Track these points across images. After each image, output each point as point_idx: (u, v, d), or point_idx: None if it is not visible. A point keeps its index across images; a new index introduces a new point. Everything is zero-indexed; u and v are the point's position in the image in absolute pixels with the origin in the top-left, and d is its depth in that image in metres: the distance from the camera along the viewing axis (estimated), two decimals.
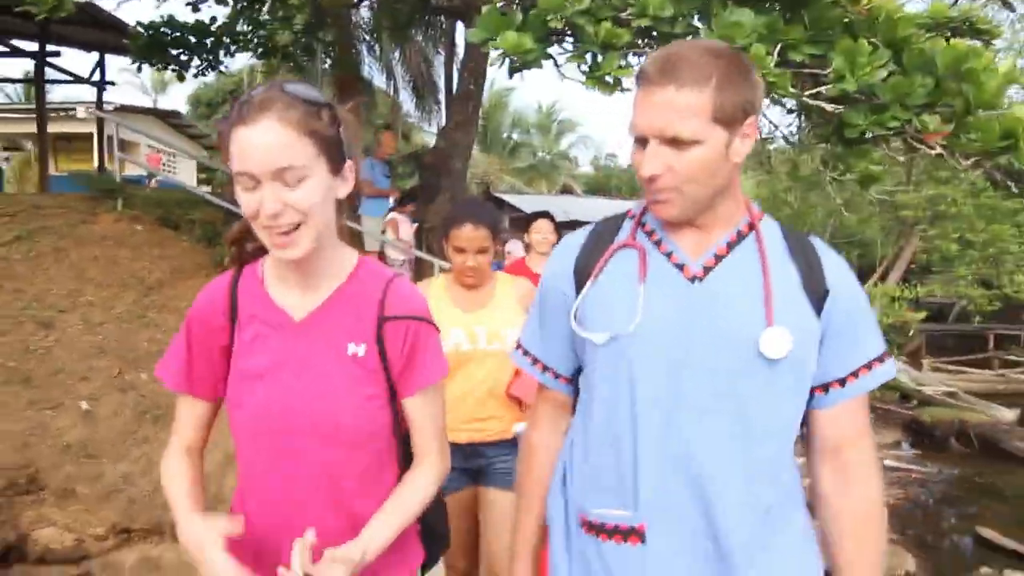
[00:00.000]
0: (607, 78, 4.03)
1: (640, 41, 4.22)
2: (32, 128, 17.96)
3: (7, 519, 4.36)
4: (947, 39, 5.57)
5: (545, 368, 1.34)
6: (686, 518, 1.15)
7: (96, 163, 17.07)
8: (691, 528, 1.15)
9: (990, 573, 4.84)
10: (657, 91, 1.09)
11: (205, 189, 12.61)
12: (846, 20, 4.25)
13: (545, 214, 4.29)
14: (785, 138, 7.93)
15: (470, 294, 2.42)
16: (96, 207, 6.88)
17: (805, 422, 1.24)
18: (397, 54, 14.43)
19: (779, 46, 3.92)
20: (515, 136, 29.99)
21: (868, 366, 1.20)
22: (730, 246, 1.20)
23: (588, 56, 4.04)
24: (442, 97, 13.44)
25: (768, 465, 1.17)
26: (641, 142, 1.13)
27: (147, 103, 26.63)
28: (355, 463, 1.26)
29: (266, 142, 1.11)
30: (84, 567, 4.42)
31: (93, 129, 17.78)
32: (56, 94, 17.43)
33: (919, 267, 14.67)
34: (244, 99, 1.16)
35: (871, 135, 4.17)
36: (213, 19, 8.93)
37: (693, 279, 1.18)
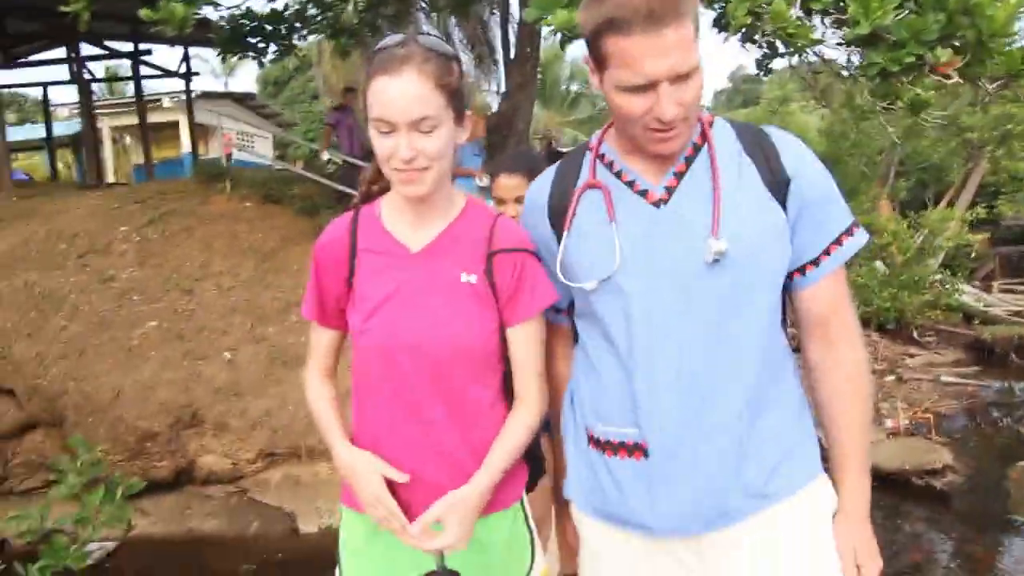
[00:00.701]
0: None
1: None
2: (116, 122, 19.33)
3: (176, 448, 5.36)
4: None
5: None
6: (683, 428, 1.19)
7: (187, 148, 18.40)
8: (686, 434, 1.19)
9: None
10: (655, 33, 1.07)
11: (281, 164, 13.44)
12: None
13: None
14: (837, 73, 8.18)
15: None
16: (208, 189, 7.83)
17: (791, 303, 1.30)
18: (453, 19, 14.98)
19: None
20: (574, 88, 30.01)
21: (838, 241, 1.23)
22: (688, 160, 1.23)
23: None
24: (500, 58, 13.99)
25: (746, 355, 1.20)
26: (644, 88, 1.12)
27: (219, 86, 27.95)
28: (473, 383, 1.31)
29: (406, 93, 1.18)
30: (240, 485, 5.40)
31: (177, 117, 19.15)
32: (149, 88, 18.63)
33: (991, 189, 14.42)
34: (384, 51, 1.22)
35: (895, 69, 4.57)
36: (286, 7, 9.69)
37: (658, 203, 1.23)
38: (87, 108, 12.23)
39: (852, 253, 1.25)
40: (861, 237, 1.26)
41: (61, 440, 5.33)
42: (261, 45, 10.17)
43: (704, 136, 1.24)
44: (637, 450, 1.22)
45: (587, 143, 1.35)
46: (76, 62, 12.01)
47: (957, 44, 4.51)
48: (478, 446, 1.31)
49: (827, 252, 1.23)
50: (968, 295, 11.16)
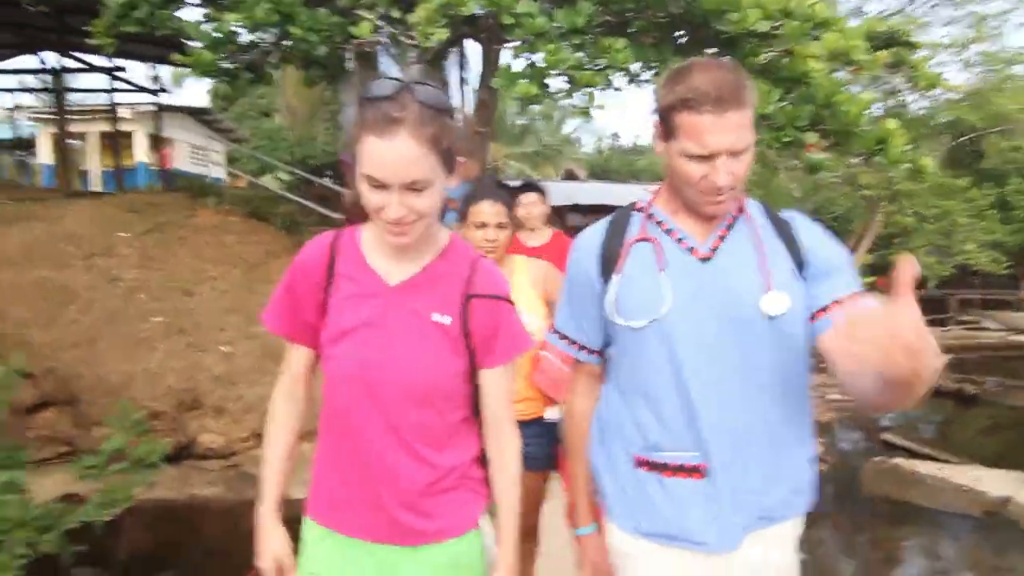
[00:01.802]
0: (590, 109, 5.79)
1: (609, 80, 5.95)
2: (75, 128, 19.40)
3: (178, 427, 6.15)
4: (876, 50, 7.35)
5: (581, 347, 1.52)
6: (734, 451, 1.35)
7: (140, 158, 18.80)
8: (737, 458, 1.35)
9: (880, 460, 6.60)
10: (722, 115, 1.25)
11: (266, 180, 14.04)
12: (763, 62, 5.96)
13: (527, 186, 4.01)
14: None
15: None
16: (194, 203, 8.65)
17: (819, 354, 1.39)
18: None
19: None
20: (520, 122, 31.18)
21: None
22: (729, 227, 1.40)
23: (575, 95, 5.78)
24: (456, 99, 15.12)
25: (783, 402, 1.37)
26: (706, 158, 1.28)
27: (170, 98, 28.08)
28: (434, 420, 1.32)
29: (400, 158, 1.16)
30: (233, 461, 6.22)
31: (133, 128, 19.64)
32: (99, 98, 18.91)
33: (884, 239, 16.32)
34: (377, 105, 1.19)
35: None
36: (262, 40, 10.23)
37: (704, 260, 1.37)
38: (60, 117, 12.78)
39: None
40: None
41: (73, 418, 6.08)
42: (235, 70, 11.03)
43: (742, 210, 1.42)
44: (696, 471, 1.36)
45: (633, 204, 1.51)
46: (53, 73, 12.59)
47: (825, 128, 5.90)
48: (428, 482, 1.33)
49: (839, 302, 1.35)
50: None
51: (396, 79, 1.23)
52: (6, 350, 5.74)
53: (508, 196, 2.53)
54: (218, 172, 23.73)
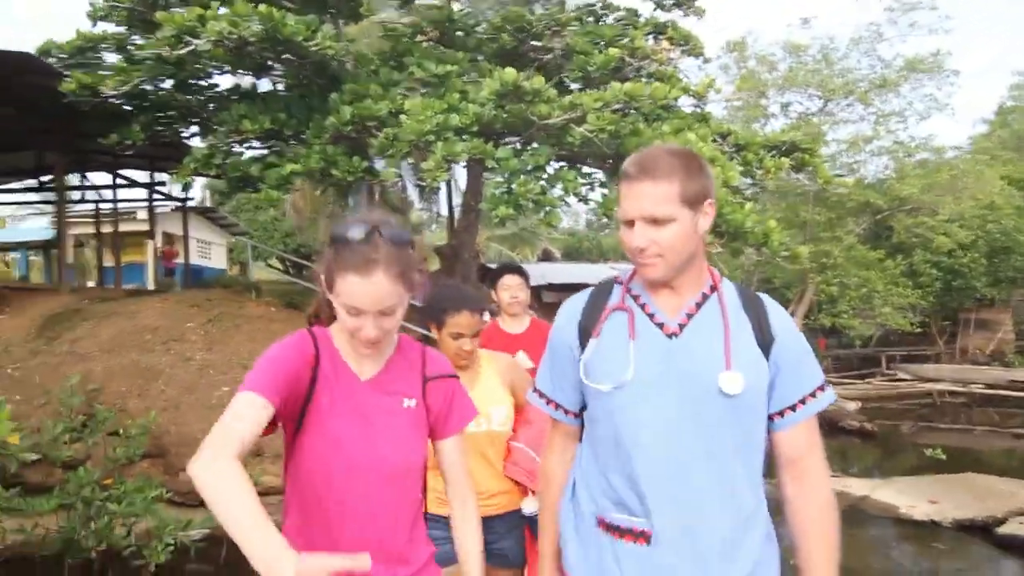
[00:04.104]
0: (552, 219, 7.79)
1: (565, 200, 7.94)
2: (80, 230, 20.58)
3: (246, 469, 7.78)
4: (782, 156, 9.65)
5: (557, 406, 1.58)
6: (682, 523, 1.37)
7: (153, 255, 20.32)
8: (685, 530, 1.37)
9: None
10: (637, 184, 1.35)
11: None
12: None
13: (511, 268, 3.83)
14: None
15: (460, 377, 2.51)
16: (241, 297, 10.48)
17: (769, 443, 1.46)
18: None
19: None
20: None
21: (813, 394, 1.44)
22: (698, 305, 1.44)
23: (541, 212, 7.78)
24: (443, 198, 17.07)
25: (738, 479, 1.40)
26: (630, 223, 1.38)
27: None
28: (404, 494, 1.47)
29: (376, 292, 1.34)
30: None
31: (146, 227, 21.42)
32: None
33: (815, 305, 18.42)
34: (351, 247, 1.35)
35: None
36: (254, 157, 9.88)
37: (671, 335, 1.42)
38: (97, 220, 14.61)
39: (824, 406, 1.45)
40: (831, 395, 1.47)
41: (164, 467, 7.72)
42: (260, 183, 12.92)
43: (715, 287, 1.47)
44: (642, 536, 1.39)
45: (615, 277, 1.56)
46: (96, 189, 14.55)
47: (721, 231, 7.93)
48: (400, 553, 1.46)
49: (803, 401, 1.43)
50: None
51: (365, 221, 1.37)
52: (117, 419, 7.43)
53: (483, 297, 2.57)
54: (220, 262, 25.52)
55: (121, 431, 6.65)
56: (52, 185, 15.59)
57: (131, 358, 8.52)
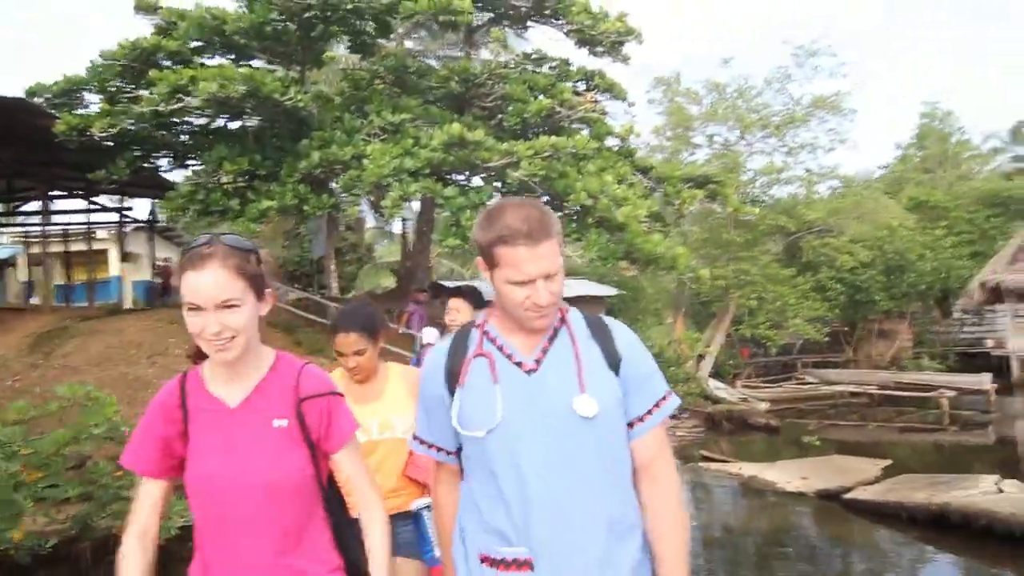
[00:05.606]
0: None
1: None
2: (39, 249, 20.80)
3: None
4: (698, 187, 11.11)
5: (439, 449, 1.63)
6: (560, 546, 1.44)
7: (113, 272, 20.71)
8: (563, 553, 1.44)
9: (695, 464, 9.76)
10: (537, 246, 1.42)
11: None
12: (595, 218, 9.34)
13: (457, 292, 4.00)
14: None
15: (362, 388, 2.56)
16: None
17: None
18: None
19: None
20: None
21: (657, 404, 1.54)
22: (551, 340, 1.53)
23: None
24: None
25: (609, 496, 1.47)
26: (525, 283, 1.44)
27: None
28: (288, 511, 1.48)
29: (211, 283, 1.39)
30: None
31: (107, 246, 21.83)
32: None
33: (738, 317, 20.08)
34: (193, 250, 1.43)
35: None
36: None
37: (529, 372, 1.51)
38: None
39: (670, 412, 1.57)
40: (675, 401, 1.59)
41: None
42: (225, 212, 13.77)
43: (563, 320, 1.56)
44: (526, 565, 1.45)
45: (474, 322, 1.63)
46: (66, 213, 15.19)
47: (635, 257, 9.31)
48: (301, 569, 1.48)
49: (650, 412, 1.54)
50: (719, 390, 16.20)
51: (209, 234, 1.48)
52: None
53: (372, 317, 2.59)
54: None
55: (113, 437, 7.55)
56: (23, 209, 16.21)
57: (119, 371, 9.41)
